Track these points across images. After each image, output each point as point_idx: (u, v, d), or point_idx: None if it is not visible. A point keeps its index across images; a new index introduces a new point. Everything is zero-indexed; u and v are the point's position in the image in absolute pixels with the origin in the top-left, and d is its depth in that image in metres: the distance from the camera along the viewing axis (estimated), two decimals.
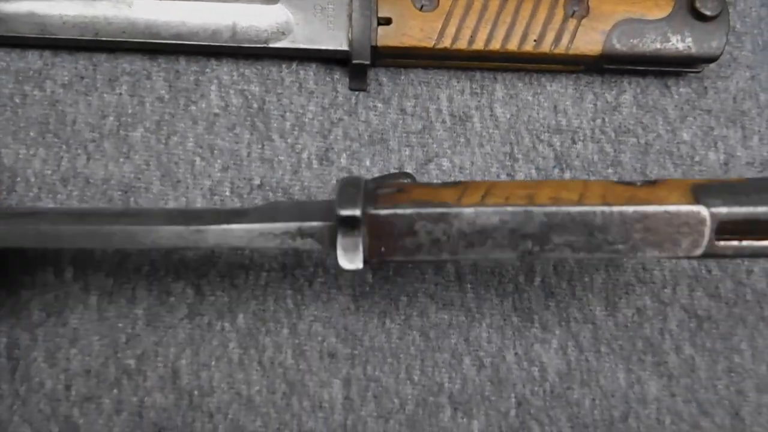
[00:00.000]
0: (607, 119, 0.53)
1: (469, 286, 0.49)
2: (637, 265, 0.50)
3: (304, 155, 0.50)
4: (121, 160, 0.49)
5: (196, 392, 0.47)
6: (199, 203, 0.49)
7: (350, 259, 0.38)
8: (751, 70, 0.55)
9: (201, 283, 0.48)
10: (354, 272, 0.49)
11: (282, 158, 0.50)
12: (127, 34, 0.49)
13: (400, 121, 0.52)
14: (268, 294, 0.48)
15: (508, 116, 0.52)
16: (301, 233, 0.39)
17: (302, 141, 0.51)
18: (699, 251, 0.37)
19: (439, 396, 0.48)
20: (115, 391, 0.47)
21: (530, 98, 0.53)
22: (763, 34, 0.55)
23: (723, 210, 0.37)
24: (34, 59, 0.51)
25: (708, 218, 0.37)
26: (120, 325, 0.47)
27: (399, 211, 0.37)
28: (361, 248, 0.38)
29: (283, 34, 0.50)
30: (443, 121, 0.52)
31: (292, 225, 0.39)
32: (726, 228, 0.37)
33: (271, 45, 0.50)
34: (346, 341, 0.48)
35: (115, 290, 0.48)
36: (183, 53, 0.51)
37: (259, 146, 0.50)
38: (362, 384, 0.48)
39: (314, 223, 0.39)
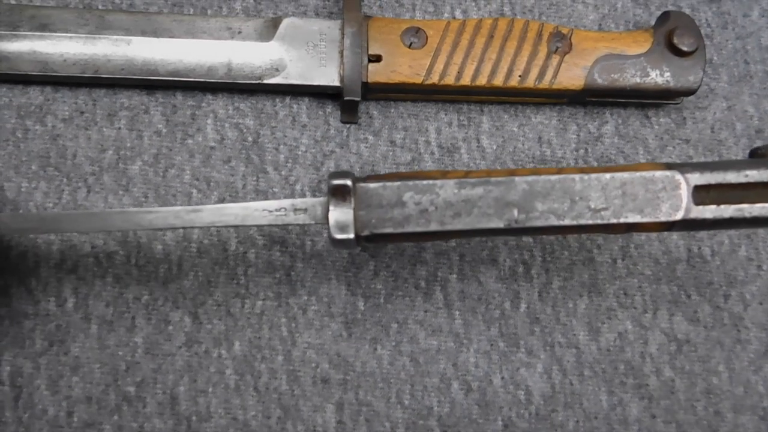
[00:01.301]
0: (589, 149, 0.55)
1: (457, 312, 0.51)
2: (618, 290, 0.52)
3: (298, 187, 0.52)
4: (121, 192, 0.51)
5: (194, 418, 0.49)
6: (196, 235, 0.51)
7: (342, 229, 0.40)
8: (728, 101, 0.57)
9: (198, 311, 0.50)
10: (346, 301, 0.51)
11: (276, 190, 0.52)
12: (126, 71, 0.51)
13: (390, 153, 0.53)
14: (263, 322, 0.50)
15: (495, 147, 0.54)
16: (295, 209, 0.41)
17: (296, 173, 0.52)
18: (680, 214, 0.39)
19: (429, 419, 0.50)
20: (115, 417, 0.48)
21: (516, 129, 0.55)
22: (738, 65, 0.58)
23: (696, 175, 0.40)
24: (35, 95, 0.52)
25: (683, 182, 0.39)
26: (120, 353, 0.49)
27: (387, 183, 0.40)
28: (352, 218, 0.40)
29: (277, 70, 0.51)
30: (432, 153, 0.54)
31: (286, 201, 0.41)
32: (704, 202, 0.40)
33: (265, 81, 0.51)
34: (339, 367, 0.50)
35: (115, 319, 0.49)
36: (180, 89, 0.53)
37: (254, 178, 0.52)
38: (354, 408, 0.50)
39: (307, 199, 0.41)
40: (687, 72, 0.52)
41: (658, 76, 0.52)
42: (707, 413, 0.51)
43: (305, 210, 0.41)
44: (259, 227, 0.51)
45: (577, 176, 0.40)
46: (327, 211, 0.40)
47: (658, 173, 0.40)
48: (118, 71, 0.51)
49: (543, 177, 0.40)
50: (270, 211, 0.41)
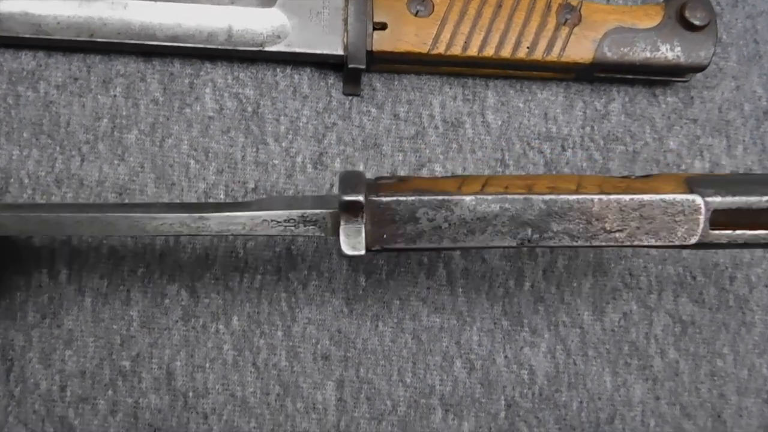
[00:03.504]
0: (596, 127, 0.54)
1: (460, 290, 0.50)
2: (623, 270, 0.52)
3: (299, 159, 0.51)
4: (116, 162, 0.50)
5: (191, 393, 0.47)
6: None
7: (353, 246, 0.38)
8: (737, 81, 0.56)
9: (196, 285, 0.48)
10: (347, 276, 0.49)
11: (276, 162, 0.51)
12: (122, 36, 0.49)
13: (394, 127, 0.52)
14: (262, 297, 0.49)
15: (500, 123, 0.53)
16: (304, 220, 0.39)
17: (296, 145, 0.51)
18: (694, 239, 0.38)
19: (431, 398, 0.49)
20: (110, 392, 0.47)
21: (521, 105, 0.54)
22: (748, 45, 0.57)
23: (717, 199, 0.38)
24: (27, 60, 0.50)
25: (703, 207, 0.38)
26: (115, 326, 0.48)
27: (401, 197, 0.38)
28: (363, 234, 0.38)
29: (279, 37, 0.50)
30: (436, 127, 0.52)
31: (295, 212, 0.39)
32: (719, 220, 0.38)
33: (266, 48, 0.50)
34: (340, 344, 0.49)
35: (110, 292, 0.48)
36: (178, 56, 0.51)
37: (254, 150, 0.51)
38: (355, 386, 0.48)
39: (317, 211, 0.39)
40: (698, 47, 0.51)
41: (669, 51, 0.51)
42: (711, 395, 0.51)
43: (315, 222, 0.39)
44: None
45: (596, 198, 0.38)
46: (338, 225, 0.38)
47: (679, 197, 0.38)
48: (114, 35, 0.49)
49: (561, 197, 0.38)
50: (278, 222, 0.39)
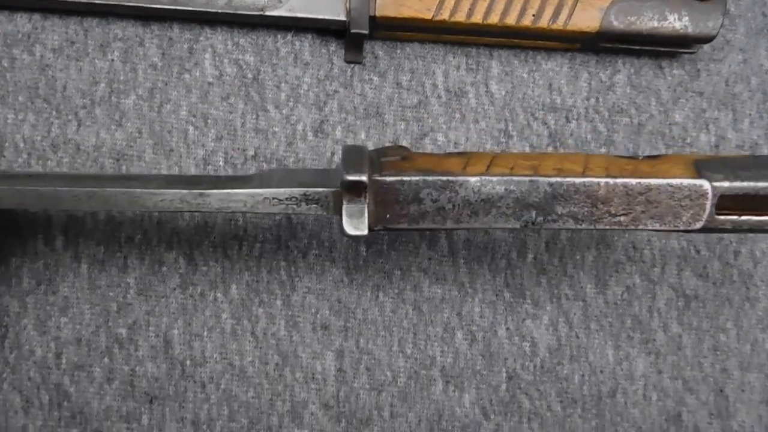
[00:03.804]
0: (601, 98, 0.53)
1: (462, 261, 0.49)
2: (627, 243, 0.51)
3: (299, 127, 0.50)
4: (113, 127, 0.49)
5: (188, 362, 0.47)
6: (193, 173, 0.49)
7: (355, 226, 0.38)
8: (744, 54, 0.55)
9: (194, 253, 0.48)
10: (348, 245, 0.49)
11: (277, 129, 0.50)
12: None
13: (396, 95, 0.51)
14: (261, 265, 0.48)
15: (503, 93, 0.52)
16: (306, 199, 0.39)
17: (297, 112, 0.50)
18: (699, 224, 0.38)
19: (431, 369, 0.48)
20: (106, 359, 0.46)
21: (525, 76, 0.53)
22: (756, 17, 0.56)
23: (725, 184, 0.37)
24: (23, 22, 0.49)
25: (710, 192, 0.37)
26: (111, 294, 0.47)
27: (405, 178, 0.37)
28: (366, 214, 0.37)
29: (280, 2, 0.49)
30: (439, 96, 0.52)
31: (297, 190, 0.39)
32: (724, 204, 0.37)
33: (267, 13, 0.49)
34: (340, 314, 0.48)
35: (107, 259, 0.47)
36: (177, 20, 0.50)
37: (254, 117, 0.50)
38: (355, 356, 0.48)
39: (319, 189, 0.38)
40: (706, 17, 0.50)
41: (677, 21, 0.50)
42: (714, 370, 0.50)
43: (317, 201, 0.39)
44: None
45: (602, 181, 0.37)
46: (340, 204, 0.38)
47: (686, 182, 0.37)
48: None
49: (567, 180, 0.37)
50: (280, 200, 0.39)
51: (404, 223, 0.38)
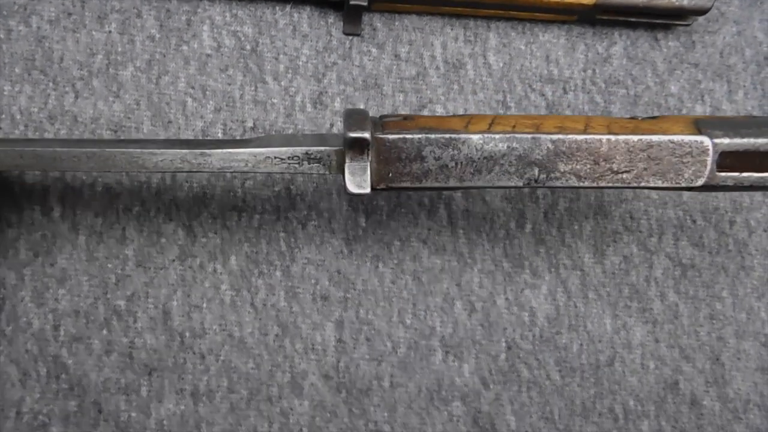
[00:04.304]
0: (597, 70, 0.53)
1: (461, 231, 0.50)
2: (624, 213, 0.51)
3: (298, 98, 0.50)
4: (111, 99, 0.48)
5: (187, 333, 0.47)
6: None
7: (358, 184, 0.38)
8: (738, 26, 0.55)
9: (193, 224, 0.48)
10: (347, 216, 0.49)
11: (275, 101, 0.50)
12: None
13: (394, 67, 0.51)
14: (260, 236, 0.48)
15: (501, 65, 0.52)
16: (309, 158, 0.38)
17: (296, 84, 0.50)
18: (701, 181, 0.38)
19: (431, 339, 0.48)
20: (104, 331, 0.46)
21: (523, 47, 0.53)
22: None
23: (725, 141, 0.37)
24: None
25: (711, 148, 0.37)
26: (110, 265, 0.47)
27: (407, 135, 0.37)
28: (368, 172, 0.38)
29: None
30: (437, 68, 0.52)
31: (299, 149, 0.38)
32: (724, 162, 0.38)
33: None
34: (339, 284, 0.48)
35: (105, 230, 0.47)
36: None
37: (252, 88, 0.50)
38: (355, 327, 0.48)
39: (322, 148, 0.38)
40: None
41: None
42: (710, 338, 0.51)
43: (319, 160, 0.39)
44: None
45: (605, 138, 0.38)
46: (343, 162, 0.38)
47: (687, 138, 0.38)
48: None
49: (570, 137, 0.38)
50: (282, 159, 0.39)
51: (407, 181, 0.38)
